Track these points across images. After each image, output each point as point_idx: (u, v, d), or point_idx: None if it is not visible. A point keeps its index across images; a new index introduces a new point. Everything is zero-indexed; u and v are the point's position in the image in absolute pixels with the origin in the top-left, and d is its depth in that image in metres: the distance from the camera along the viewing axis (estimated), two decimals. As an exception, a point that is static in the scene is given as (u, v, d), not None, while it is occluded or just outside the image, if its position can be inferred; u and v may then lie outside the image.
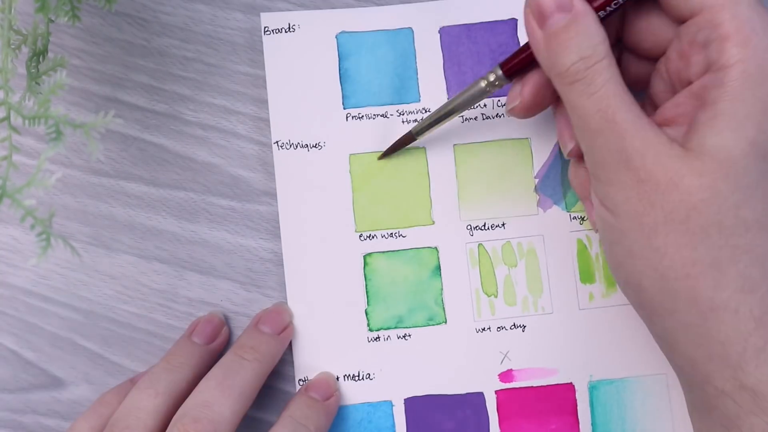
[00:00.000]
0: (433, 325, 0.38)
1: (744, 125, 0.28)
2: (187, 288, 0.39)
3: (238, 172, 0.39)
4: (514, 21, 0.40)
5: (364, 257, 0.39)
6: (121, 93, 0.40)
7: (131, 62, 0.40)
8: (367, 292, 0.39)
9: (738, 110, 0.28)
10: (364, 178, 0.39)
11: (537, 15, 0.31)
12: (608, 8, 0.31)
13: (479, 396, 0.38)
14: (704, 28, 0.30)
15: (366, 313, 0.38)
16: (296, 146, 0.39)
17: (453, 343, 0.38)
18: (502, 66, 0.34)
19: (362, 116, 0.39)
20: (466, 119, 0.39)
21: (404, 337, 0.38)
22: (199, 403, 0.33)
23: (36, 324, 0.39)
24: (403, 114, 0.39)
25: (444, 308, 0.38)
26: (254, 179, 0.39)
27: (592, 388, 0.38)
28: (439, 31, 0.40)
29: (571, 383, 0.38)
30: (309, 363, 0.38)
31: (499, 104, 0.39)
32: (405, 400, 0.38)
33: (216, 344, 0.38)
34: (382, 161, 0.39)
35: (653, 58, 0.33)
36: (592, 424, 0.38)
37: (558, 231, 0.39)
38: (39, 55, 0.34)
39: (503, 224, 0.39)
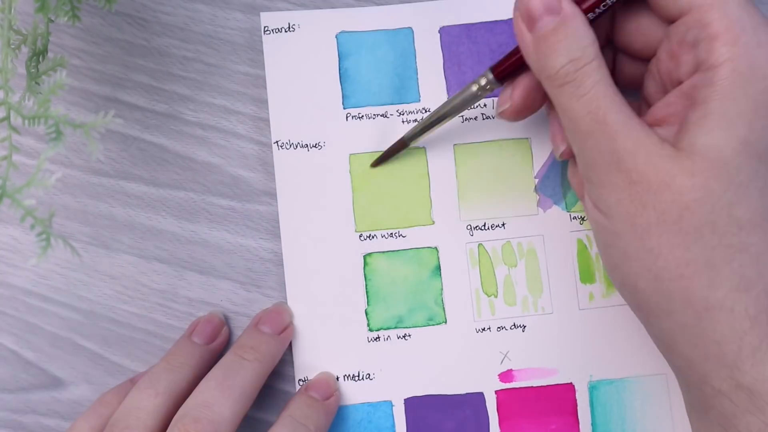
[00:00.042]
0: (433, 325, 0.38)
1: (735, 124, 0.28)
2: (187, 288, 0.39)
3: (238, 172, 0.39)
4: (514, 21, 0.40)
5: (364, 257, 0.39)
6: (121, 93, 0.40)
7: (131, 62, 0.40)
8: (367, 292, 0.39)
9: (728, 109, 0.28)
10: (364, 178, 0.39)
11: (526, 18, 0.31)
12: (597, 10, 0.31)
13: (479, 396, 0.38)
14: (693, 28, 0.29)
15: (366, 313, 0.38)
16: (296, 146, 0.39)
17: (453, 343, 0.38)
18: (493, 69, 0.34)
19: (362, 116, 0.39)
20: (466, 119, 0.39)
21: (404, 337, 0.38)
22: (200, 404, 0.33)
23: (36, 324, 0.39)
24: (403, 114, 0.39)
25: (444, 308, 0.39)
26: (254, 179, 0.39)
27: (592, 388, 0.38)
28: (439, 31, 0.40)
29: (571, 383, 0.38)
30: (309, 363, 0.38)
31: (499, 104, 0.39)
32: (405, 400, 0.38)
33: (216, 344, 0.38)
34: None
35: (645, 58, 0.33)
36: (592, 424, 0.38)
37: (558, 231, 0.39)
38: (39, 55, 0.34)
39: (503, 224, 0.39)
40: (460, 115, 0.38)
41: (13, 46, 0.32)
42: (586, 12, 0.31)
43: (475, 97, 0.35)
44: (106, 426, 0.33)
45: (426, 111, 0.39)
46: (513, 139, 0.39)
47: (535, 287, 0.39)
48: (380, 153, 0.39)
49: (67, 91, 0.39)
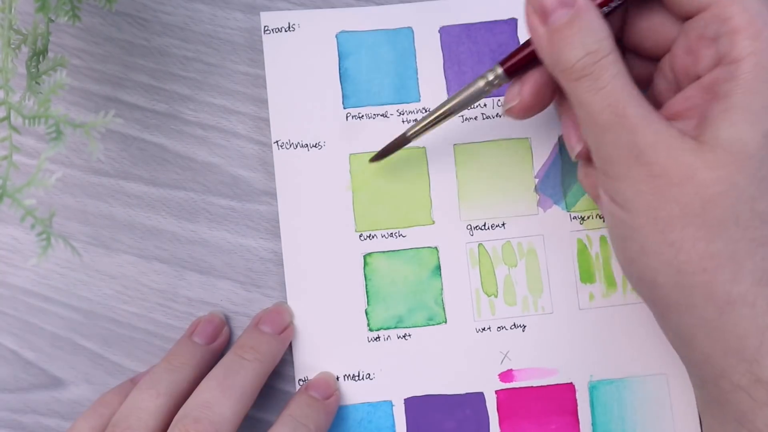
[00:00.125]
0: (433, 325, 0.38)
1: (759, 117, 0.28)
2: (187, 288, 0.39)
3: (238, 171, 0.39)
4: (514, 21, 0.40)
5: (364, 257, 0.39)
6: (121, 93, 0.40)
7: (131, 62, 0.40)
8: (367, 292, 0.39)
9: (752, 102, 0.28)
10: (364, 178, 0.39)
11: (539, 11, 0.31)
12: (611, 4, 0.31)
13: (479, 396, 0.38)
14: (713, 23, 0.30)
15: (366, 313, 0.38)
16: (296, 146, 0.39)
17: (453, 343, 0.38)
18: (502, 64, 0.34)
19: (362, 116, 0.39)
20: (466, 119, 0.39)
21: (404, 337, 0.38)
22: (200, 404, 0.33)
23: (36, 324, 0.39)
24: (403, 114, 0.39)
25: (444, 308, 0.39)
26: (254, 179, 0.39)
27: (593, 388, 0.38)
28: (439, 31, 0.40)
29: (571, 383, 0.38)
30: (309, 363, 0.38)
31: (499, 104, 0.39)
32: (405, 400, 0.38)
33: (217, 344, 0.37)
34: (382, 161, 0.38)
35: (655, 57, 0.33)
36: (592, 424, 0.38)
37: (558, 231, 0.39)
38: (39, 54, 0.34)
39: (503, 224, 0.39)
40: (460, 115, 0.38)
41: (13, 46, 0.32)
42: (600, 6, 0.31)
43: (481, 93, 0.34)
44: (106, 426, 0.33)
45: (426, 111, 0.39)
46: (513, 139, 0.39)
47: (535, 287, 0.39)
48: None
49: (68, 90, 0.39)
